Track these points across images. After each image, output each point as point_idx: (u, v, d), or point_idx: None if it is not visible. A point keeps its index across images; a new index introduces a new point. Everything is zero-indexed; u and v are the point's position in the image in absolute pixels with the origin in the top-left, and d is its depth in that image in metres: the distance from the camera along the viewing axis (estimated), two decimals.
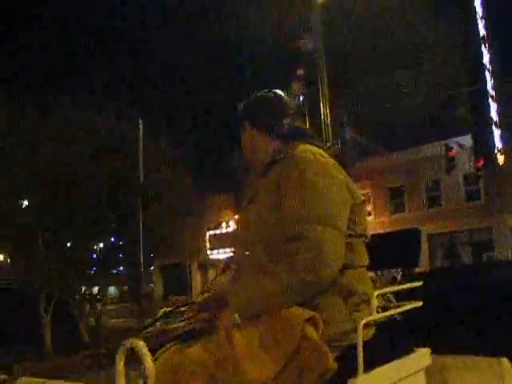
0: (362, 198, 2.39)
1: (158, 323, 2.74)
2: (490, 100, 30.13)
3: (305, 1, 19.24)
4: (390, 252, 2.70)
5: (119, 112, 20.87)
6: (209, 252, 30.82)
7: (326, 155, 2.35)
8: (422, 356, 2.43)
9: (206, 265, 36.94)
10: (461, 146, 26.68)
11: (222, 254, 29.72)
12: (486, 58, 30.52)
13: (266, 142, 2.54)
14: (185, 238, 27.02)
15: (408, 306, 2.37)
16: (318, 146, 2.43)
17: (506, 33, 33.80)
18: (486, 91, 29.76)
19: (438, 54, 30.52)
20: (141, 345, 1.87)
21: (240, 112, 2.65)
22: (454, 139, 26.83)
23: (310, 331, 1.99)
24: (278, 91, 2.66)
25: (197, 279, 40.68)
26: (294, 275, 2.02)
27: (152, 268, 43.79)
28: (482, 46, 30.53)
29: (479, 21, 30.60)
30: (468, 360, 2.54)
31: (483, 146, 28.40)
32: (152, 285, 45.67)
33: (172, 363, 2.11)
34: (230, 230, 28.72)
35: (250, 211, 2.40)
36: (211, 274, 39.78)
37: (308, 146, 2.38)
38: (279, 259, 2.07)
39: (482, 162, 26.40)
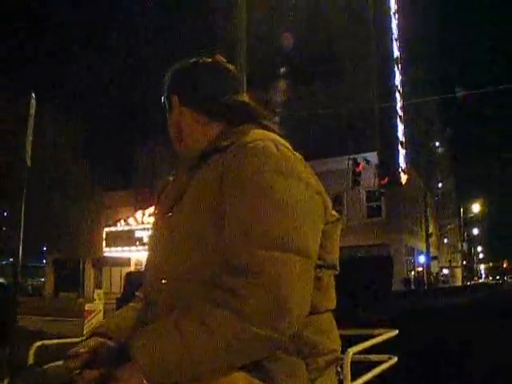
0: (336, 213, 1.65)
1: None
2: (398, 120, 30.85)
3: None
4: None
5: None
6: (105, 249, 29.51)
7: (290, 147, 1.60)
8: None
9: (100, 262, 35.62)
10: (367, 161, 26.97)
11: (118, 253, 28.56)
12: (398, 79, 31.27)
13: (202, 124, 1.77)
14: (80, 232, 25.82)
15: (386, 364, 1.82)
16: (276, 133, 1.68)
17: (418, 56, 34.69)
18: (396, 111, 30.45)
19: (353, 71, 30.94)
20: None
21: (166, 83, 1.87)
22: (362, 155, 27.07)
23: None
24: (219, 56, 1.90)
25: (90, 277, 39.30)
26: (244, 329, 1.29)
27: (44, 262, 41.99)
28: (395, 67, 31.25)
29: (394, 42, 31.32)
30: None
31: (388, 165, 28.96)
32: (42, 279, 43.75)
33: None
34: (130, 227, 27.63)
35: (174, 219, 1.63)
36: (105, 272, 38.56)
37: (265, 132, 1.63)
38: (219, 300, 1.33)
39: (386, 180, 26.84)
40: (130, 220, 27.40)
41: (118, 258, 29.50)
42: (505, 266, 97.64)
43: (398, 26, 31.83)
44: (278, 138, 1.59)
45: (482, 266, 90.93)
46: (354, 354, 1.66)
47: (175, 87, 1.83)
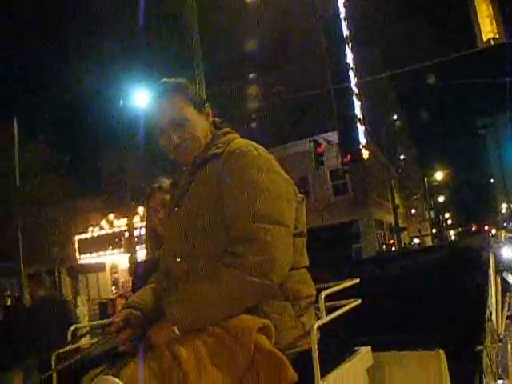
0: (301, 195, 2.23)
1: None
2: (354, 98, 31.36)
3: None
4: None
5: None
6: (78, 257, 29.45)
7: (265, 150, 2.15)
8: (364, 355, 2.29)
9: (75, 271, 35.48)
10: (328, 142, 27.40)
11: (93, 259, 28.58)
12: (350, 58, 31.73)
13: (209, 130, 2.25)
14: (53, 243, 25.80)
15: (351, 304, 2.22)
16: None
17: (367, 33, 35.29)
18: (351, 89, 30.92)
19: (305, 53, 31.28)
20: None
21: (165, 86, 2.19)
22: (322, 135, 27.45)
23: (263, 341, 1.78)
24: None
25: (67, 286, 39.09)
26: (245, 279, 1.83)
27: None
28: (346, 45, 31.70)
29: (342, 21, 31.75)
30: (406, 355, 2.44)
31: (349, 142, 29.47)
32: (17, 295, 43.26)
33: None
34: (101, 233, 27.61)
35: (181, 212, 2.13)
36: (82, 279, 38.43)
37: (245, 140, 2.18)
38: (226, 263, 1.87)
39: (348, 158, 27.34)
40: (103, 222, 27.41)
41: (93, 265, 29.49)
42: (474, 229, 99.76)
43: (345, 4, 32.26)
44: (253, 143, 2.14)
45: (452, 232, 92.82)
46: (326, 297, 2.05)
47: (176, 88, 2.19)
